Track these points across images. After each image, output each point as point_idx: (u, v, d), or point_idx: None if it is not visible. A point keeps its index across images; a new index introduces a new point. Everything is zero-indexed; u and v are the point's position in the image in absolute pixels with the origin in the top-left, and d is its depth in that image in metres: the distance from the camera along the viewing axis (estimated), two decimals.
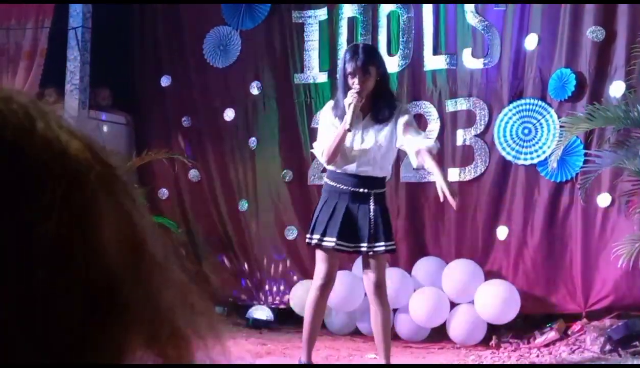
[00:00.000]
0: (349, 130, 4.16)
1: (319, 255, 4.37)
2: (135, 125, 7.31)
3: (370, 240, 4.25)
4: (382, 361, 4.46)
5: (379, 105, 4.28)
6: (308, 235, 4.42)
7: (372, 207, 4.26)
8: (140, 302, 0.55)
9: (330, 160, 4.29)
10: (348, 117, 4.13)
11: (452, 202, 4.18)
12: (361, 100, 4.16)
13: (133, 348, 0.55)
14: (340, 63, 4.41)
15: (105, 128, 6.97)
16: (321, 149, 4.33)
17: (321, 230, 4.29)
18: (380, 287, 4.35)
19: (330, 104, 4.45)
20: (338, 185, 4.33)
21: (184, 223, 7.04)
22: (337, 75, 4.42)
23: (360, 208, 4.28)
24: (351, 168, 4.31)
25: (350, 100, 4.15)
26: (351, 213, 4.27)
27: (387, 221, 4.35)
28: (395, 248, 4.50)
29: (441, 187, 4.15)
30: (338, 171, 4.35)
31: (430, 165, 4.26)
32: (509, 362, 5.11)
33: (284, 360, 5.31)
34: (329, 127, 4.33)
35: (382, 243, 4.27)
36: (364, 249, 4.28)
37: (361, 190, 4.28)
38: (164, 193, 7.17)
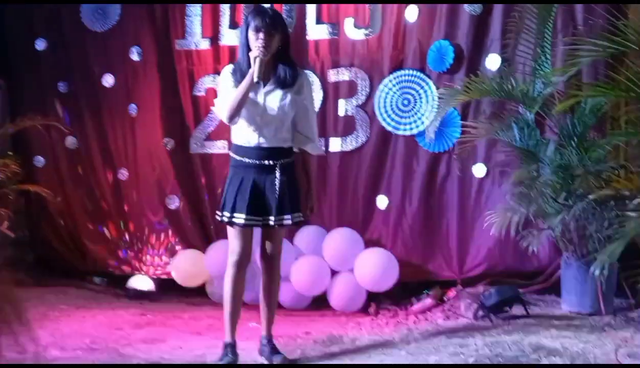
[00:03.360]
0: (257, 82, 4.10)
1: (231, 231, 4.28)
2: (9, 90, 7.01)
3: (277, 212, 4.20)
4: (263, 332, 4.47)
5: (280, 72, 4.22)
6: (218, 212, 4.32)
7: (278, 179, 4.20)
8: None
9: (232, 117, 4.18)
10: (256, 69, 4.06)
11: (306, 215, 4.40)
12: (267, 55, 4.10)
13: None
14: (242, 25, 4.28)
15: None
16: (223, 106, 4.21)
17: (230, 206, 4.22)
18: (275, 258, 4.39)
19: (228, 68, 4.34)
20: (243, 159, 4.25)
21: (60, 192, 6.84)
22: (239, 39, 4.28)
23: (267, 179, 4.21)
24: (254, 139, 4.22)
25: (256, 53, 4.08)
26: (258, 186, 4.21)
27: (294, 192, 4.29)
28: (302, 220, 4.41)
29: (310, 202, 4.40)
30: (242, 144, 4.27)
31: (307, 169, 4.44)
32: (386, 329, 5.22)
33: (165, 330, 5.26)
34: (230, 88, 4.21)
35: (289, 216, 4.24)
36: (271, 222, 4.22)
37: (266, 162, 4.21)
38: (39, 161, 6.94)
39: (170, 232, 6.74)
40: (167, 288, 6.54)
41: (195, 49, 6.57)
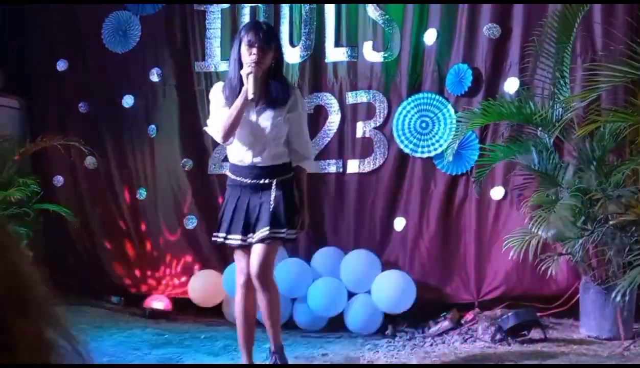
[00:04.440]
0: (252, 100, 4.00)
1: (237, 252, 4.25)
2: (29, 109, 7.08)
3: (269, 226, 4.09)
4: (270, 342, 4.35)
5: (273, 91, 4.13)
6: (214, 233, 4.29)
7: (273, 195, 4.12)
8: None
9: (227, 137, 4.11)
10: (250, 86, 3.96)
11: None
12: (260, 71, 4.00)
13: None
14: (235, 41, 4.18)
15: None
16: (217, 127, 4.14)
17: (225, 227, 4.18)
18: (262, 273, 4.15)
19: (219, 85, 4.28)
20: (238, 178, 4.20)
21: (79, 212, 6.87)
22: (231, 55, 4.19)
23: (263, 197, 4.14)
24: (248, 158, 4.17)
25: (249, 70, 3.98)
26: (254, 206, 4.14)
27: (288, 208, 4.18)
28: (294, 238, 4.34)
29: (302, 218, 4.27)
30: (237, 163, 4.22)
31: (299, 185, 4.32)
32: (403, 351, 5.21)
33: (182, 350, 5.27)
34: (221, 107, 4.14)
35: (283, 230, 4.13)
36: (263, 234, 4.10)
37: (262, 181, 4.16)
38: (59, 180, 6.99)
39: (187, 252, 6.76)
40: (184, 308, 6.55)
41: (214, 71, 6.62)
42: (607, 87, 4.84)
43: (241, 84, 4.07)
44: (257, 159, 4.17)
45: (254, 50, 4.01)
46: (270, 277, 4.24)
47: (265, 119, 4.14)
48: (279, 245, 4.40)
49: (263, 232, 4.11)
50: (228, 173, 4.32)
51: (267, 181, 4.16)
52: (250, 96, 3.97)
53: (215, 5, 6.59)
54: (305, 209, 4.34)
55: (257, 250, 4.15)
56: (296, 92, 4.29)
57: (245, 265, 4.22)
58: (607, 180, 5.16)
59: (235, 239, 4.17)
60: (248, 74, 3.99)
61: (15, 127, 6.90)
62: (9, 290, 0.57)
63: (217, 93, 4.23)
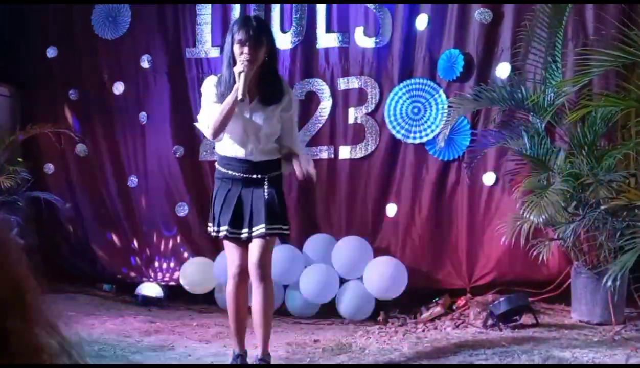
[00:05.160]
0: (242, 100, 3.95)
1: (225, 243, 4.24)
2: (20, 97, 7.05)
3: (267, 222, 4.06)
4: (258, 351, 4.23)
5: (266, 88, 4.10)
6: (209, 224, 4.27)
7: (266, 191, 4.10)
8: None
9: (216, 134, 4.07)
10: (240, 86, 3.90)
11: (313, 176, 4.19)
12: (252, 69, 3.97)
13: None
14: (227, 37, 4.13)
15: None
16: (207, 122, 4.10)
17: (217, 220, 4.16)
18: (262, 267, 4.13)
19: (211, 79, 4.22)
20: (230, 172, 4.15)
21: (70, 199, 6.86)
22: (224, 51, 4.14)
23: (254, 192, 4.11)
24: (241, 153, 4.12)
25: (241, 68, 3.92)
26: (245, 199, 4.12)
27: (282, 204, 4.19)
28: (289, 233, 4.32)
29: (304, 166, 4.12)
30: (229, 156, 4.16)
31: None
32: (395, 337, 5.21)
33: (173, 337, 5.26)
34: (212, 102, 4.10)
35: (279, 225, 4.12)
36: (261, 231, 4.08)
37: (254, 176, 4.12)
38: (50, 168, 6.96)
39: (179, 239, 6.74)
40: (176, 296, 6.54)
41: (205, 57, 6.59)
42: (599, 71, 4.83)
43: (234, 81, 4.01)
44: (249, 155, 4.13)
45: (246, 49, 3.96)
46: (268, 271, 4.20)
47: (259, 116, 4.10)
48: (275, 241, 4.38)
49: (261, 228, 4.09)
50: (217, 165, 4.27)
51: (258, 176, 4.13)
52: (240, 96, 3.92)
53: None
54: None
55: (256, 245, 4.13)
56: (290, 92, 4.26)
57: (237, 257, 4.19)
58: (598, 165, 5.16)
59: (223, 230, 4.15)
60: (240, 73, 3.94)
61: (5, 115, 6.87)
62: (7, 293, 0.60)
63: (209, 87, 4.17)
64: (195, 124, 4.43)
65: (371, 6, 6.17)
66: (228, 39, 4.09)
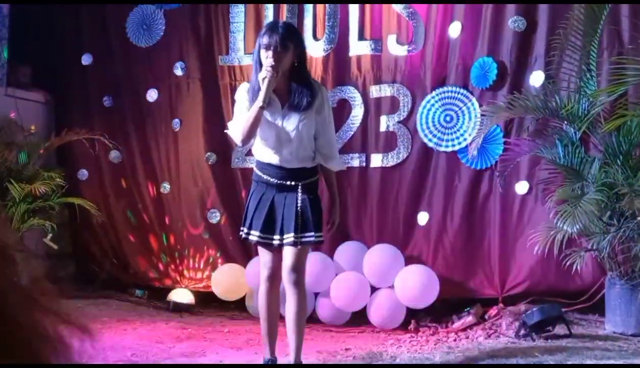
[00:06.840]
0: (262, 107, 3.93)
1: (258, 247, 4.24)
2: (55, 104, 7.16)
3: (297, 230, 4.05)
4: (291, 358, 4.22)
5: (297, 92, 4.06)
6: (241, 227, 4.27)
7: (299, 198, 4.08)
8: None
9: (245, 142, 4.09)
10: (262, 94, 3.89)
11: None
12: (276, 76, 3.92)
13: None
14: (256, 43, 4.11)
15: (23, 106, 6.75)
16: (236, 129, 4.10)
17: (248, 223, 4.16)
18: (295, 273, 4.11)
19: (244, 86, 4.22)
20: (264, 176, 4.15)
21: (103, 205, 6.91)
22: (253, 57, 4.12)
23: (287, 198, 4.10)
24: (275, 160, 4.12)
25: (264, 74, 3.90)
26: (278, 205, 4.11)
27: (315, 211, 4.13)
28: (322, 240, 4.29)
29: (334, 216, 4.27)
30: (264, 161, 4.16)
31: (330, 186, 4.34)
32: (427, 346, 5.18)
33: (205, 344, 5.28)
34: (244, 109, 4.09)
35: (312, 233, 4.08)
36: (291, 239, 4.06)
37: (288, 182, 4.12)
38: (83, 174, 7.04)
39: (211, 246, 6.77)
40: (207, 302, 6.57)
41: (238, 65, 6.62)
42: (634, 81, 4.79)
43: (260, 87, 4.00)
44: (283, 162, 4.12)
45: (270, 54, 3.94)
46: (302, 279, 4.18)
47: (291, 123, 4.08)
48: (309, 248, 4.34)
49: (290, 237, 4.07)
50: (254, 168, 4.28)
51: (292, 183, 4.12)
52: (261, 103, 3.92)
53: None
54: (337, 209, 4.33)
55: (289, 253, 4.12)
56: (322, 91, 4.20)
57: (269, 260, 4.19)
58: (633, 175, 5.10)
59: (254, 235, 4.16)
60: (263, 79, 3.93)
61: (41, 122, 6.96)
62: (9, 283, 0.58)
63: (241, 94, 4.18)
64: (226, 131, 4.43)
65: (404, 13, 6.16)
66: (257, 45, 4.08)
